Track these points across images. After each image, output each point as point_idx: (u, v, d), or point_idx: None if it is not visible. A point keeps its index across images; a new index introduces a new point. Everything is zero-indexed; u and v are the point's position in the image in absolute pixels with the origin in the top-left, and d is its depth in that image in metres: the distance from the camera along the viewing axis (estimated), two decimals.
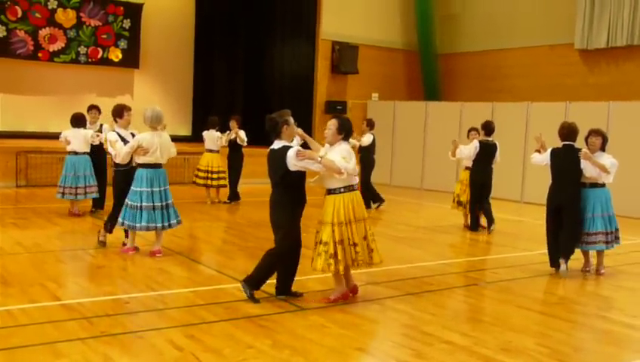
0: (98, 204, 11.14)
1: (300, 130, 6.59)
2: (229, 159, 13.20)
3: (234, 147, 13.11)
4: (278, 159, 6.11)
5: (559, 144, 8.26)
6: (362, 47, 19.24)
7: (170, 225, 8.07)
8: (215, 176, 12.95)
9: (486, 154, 10.97)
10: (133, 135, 8.20)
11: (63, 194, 10.57)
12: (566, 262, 8.05)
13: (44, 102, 16.99)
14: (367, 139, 12.81)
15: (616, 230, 8.24)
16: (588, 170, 7.97)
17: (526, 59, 18.13)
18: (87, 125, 10.86)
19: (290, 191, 6.21)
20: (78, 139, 10.55)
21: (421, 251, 9.35)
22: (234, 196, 13.26)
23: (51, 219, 10.43)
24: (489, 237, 10.80)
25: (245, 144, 13.13)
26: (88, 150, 10.66)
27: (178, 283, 6.96)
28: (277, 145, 6.21)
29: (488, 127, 11.10)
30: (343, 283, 6.44)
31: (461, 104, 17.23)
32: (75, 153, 10.57)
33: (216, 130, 13.03)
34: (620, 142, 13.74)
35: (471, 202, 11.13)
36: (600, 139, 8.08)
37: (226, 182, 13.12)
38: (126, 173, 8.07)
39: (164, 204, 7.98)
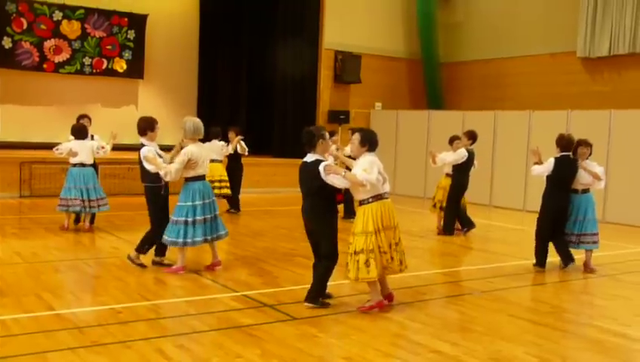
0: (93, 217, 10.86)
1: (333, 150, 6.69)
2: (230, 169, 13.25)
3: (234, 157, 13.20)
4: (311, 172, 6.32)
5: (556, 152, 8.80)
6: (365, 57, 19.31)
7: (218, 237, 8.00)
8: (217, 185, 12.97)
9: (470, 161, 11.37)
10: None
11: (68, 206, 10.27)
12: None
13: (49, 112, 17.14)
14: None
15: None
16: (584, 177, 8.69)
17: (528, 68, 18.12)
18: None
19: (324, 201, 6.42)
20: (86, 152, 10.31)
21: (417, 260, 9.34)
22: (236, 206, 13.33)
23: (53, 230, 10.49)
24: (488, 246, 10.82)
25: (247, 153, 13.22)
26: (92, 162, 10.49)
27: (172, 292, 7.02)
28: (310, 158, 6.41)
29: (475, 136, 11.45)
30: (379, 291, 6.56)
31: (463, 113, 17.25)
32: (83, 165, 10.30)
33: (219, 140, 13.08)
34: (622, 151, 13.78)
35: (454, 207, 11.43)
36: (589, 148, 8.78)
37: (229, 191, 13.15)
38: (163, 190, 7.91)
39: (213, 216, 7.88)
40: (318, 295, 6.53)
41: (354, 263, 6.28)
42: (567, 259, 8.78)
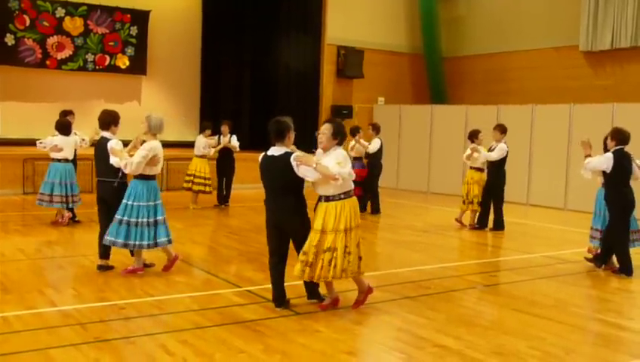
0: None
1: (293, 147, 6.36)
2: (222, 165, 13.28)
3: (227, 152, 13.18)
4: (282, 165, 6.03)
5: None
6: (367, 52, 19.26)
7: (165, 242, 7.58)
8: (202, 181, 12.94)
9: (506, 156, 11.30)
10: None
11: (53, 202, 10.29)
12: None
13: (51, 109, 16.90)
14: (374, 145, 12.71)
15: None
16: (636, 172, 8.45)
17: (531, 62, 18.07)
18: None
19: (296, 197, 6.17)
20: (70, 147, 10.41)
21: (421, 255, 9.35)
22: (226, 199, 13.37)
23: (55, 226, 10.51)
24: (492, 241, 10.80)
25: (237, 150, 13.22)
26: (73, 157, 10.57)
27: (175, 288, 6.99)
28: (277, 151, 6.11)
29: (506, 129, 11.42)
30: (365, 284, 6.39)
31: (466, 107, 17.22)
32: (67, 160, 10.38)
33: (208, 136, 13.05)
34: None
35: (487, 202, 11.40)
36: None
37: (209, 188, 13.08)
38: (125, 187, 7.54)
39: (165, 217, 7.57)
40: (317, 288, 6.46)
41: (319, 261, 5.95)
42: (601, 260, 8.48)
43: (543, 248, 10.01)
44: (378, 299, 6.60)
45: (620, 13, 16.10)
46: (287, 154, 6.05)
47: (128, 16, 18.34)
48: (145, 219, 7.27)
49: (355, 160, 11.98)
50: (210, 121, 13.87)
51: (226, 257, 8.98)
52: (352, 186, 6.19)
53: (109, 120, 7.71)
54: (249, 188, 14.16)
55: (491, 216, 11.46)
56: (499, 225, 11.39)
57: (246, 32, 19.51)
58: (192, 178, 12.96)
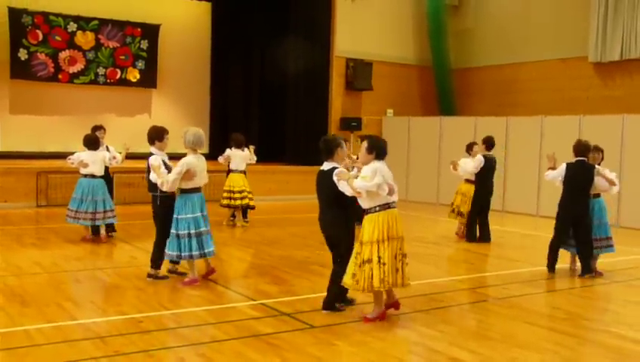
0: (112, 227, 10.87)
1: (353, 157, 6.69)
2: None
3: None
4: (327, 180, 6.39)
5: (572, 157, 8.85)
6: (376, 64, 19.37)
7: (209, 253, 7.79)
8: (239, 195, 12.47)
9: (489, 168, 11.42)
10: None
11: (78, 218, 10.30)
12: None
13: (64, 122, 17.32)
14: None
15: None
16: (601, 183, 8.73)
17: (540, 73, 18.15)
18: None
19: (344, 210, 6.48)
20: (97, 163, 10.33)
21: (432, 267, 9.42)
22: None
23: (71, 239, 10.61)
24: (503, 253, 10.85)
25: (254, 162, 13.10)
26: (103, 173, 10.47)
27: (191, 301, 7.10)
28: (327, 166, 6.50)
29: (490, 142, 11.53)
30: (382, 302, 6.52)
31: (475, 119, 17.29)
32: (93, 176, 10.30)
33: (243, 149, 12.61)
34: (635, 155, 13.77)
35: (472, 214, 11.47)
36: (600, 154, 8.91)
37: (250, 201, 12.65)
38: (170, 201, 7.68)
39: (209, 228, 7.75)
40: (333, 303, 6.61)
41: (362, 273, 6.20)
42: (586, 269, 8.68)
43: None
44: (392, 313, 6.67)
45: (630, 24, 16.15)
46: (334, 170, 6.39)
47: (139, 30, 18.54)
48: (185, 231, 7.53)
49: None
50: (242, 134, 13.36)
51: (239, 270, 9.08)
52: (390, 199, 6.34)
53: (153, 136, 7.91)
54: (258, 200, 14.21)
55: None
56: (484, 237, 11.48)
57: (255, 44, 19.67)
58: (230, 194, 12.50)
